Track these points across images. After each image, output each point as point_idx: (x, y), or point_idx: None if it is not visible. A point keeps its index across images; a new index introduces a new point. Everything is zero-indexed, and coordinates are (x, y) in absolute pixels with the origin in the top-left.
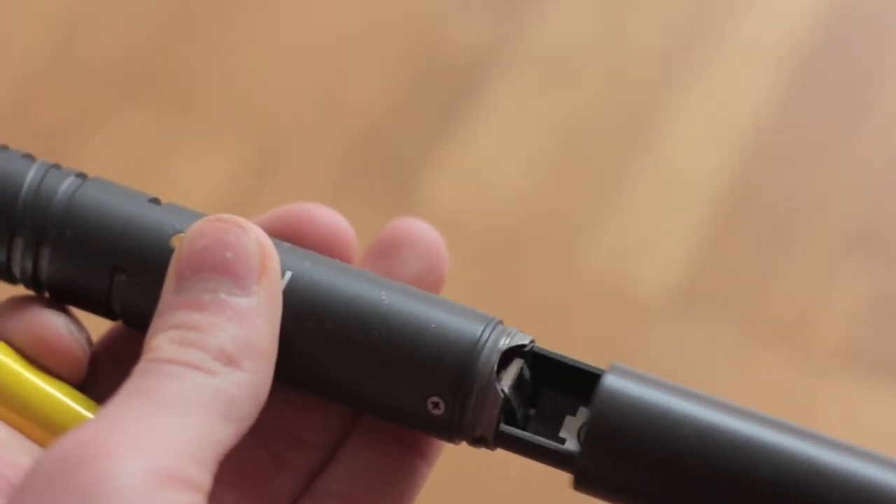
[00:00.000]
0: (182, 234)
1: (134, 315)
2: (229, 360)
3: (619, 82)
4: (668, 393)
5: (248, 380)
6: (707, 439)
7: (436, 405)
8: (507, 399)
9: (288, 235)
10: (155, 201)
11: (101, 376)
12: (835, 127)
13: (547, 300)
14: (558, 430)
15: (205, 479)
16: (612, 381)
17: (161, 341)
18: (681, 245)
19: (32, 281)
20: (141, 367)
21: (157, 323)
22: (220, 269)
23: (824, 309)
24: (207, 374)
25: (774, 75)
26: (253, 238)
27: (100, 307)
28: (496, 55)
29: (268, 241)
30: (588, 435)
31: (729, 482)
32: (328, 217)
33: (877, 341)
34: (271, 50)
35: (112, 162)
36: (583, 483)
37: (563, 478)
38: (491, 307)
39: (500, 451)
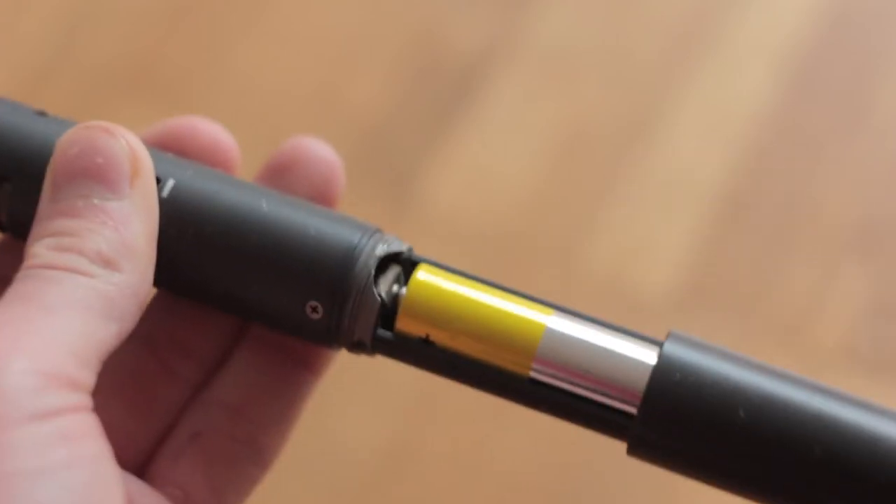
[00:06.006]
0: None
1: (19, 224)
2: (107, 263)
3: (619, 82)
4: (726, 361)
5: (126, 280)
6: (764, 411)
7: (314, 309)
8: (384, 304)
9: (173, 148)
10: (41, 114)
11: None
12: (835, 127)
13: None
14: None
15: (89, 377)
16: (671, 349)
17: (39, 248)
18: (681, 245)
19: None
20: (21, 275)
21: (35, 231)
22: (92, 175)
23: (824, 309)
24: (86, 277)
25: (774, 75)
26: (123, 143)
27: None
28: (496, 55)
29: (139, 145)
30: (646, 402)
31: (786, 453)
32: (211, 130)
33: (877, 341)
34: (271, 50)
35: None
36: (638, 449)
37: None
38: None
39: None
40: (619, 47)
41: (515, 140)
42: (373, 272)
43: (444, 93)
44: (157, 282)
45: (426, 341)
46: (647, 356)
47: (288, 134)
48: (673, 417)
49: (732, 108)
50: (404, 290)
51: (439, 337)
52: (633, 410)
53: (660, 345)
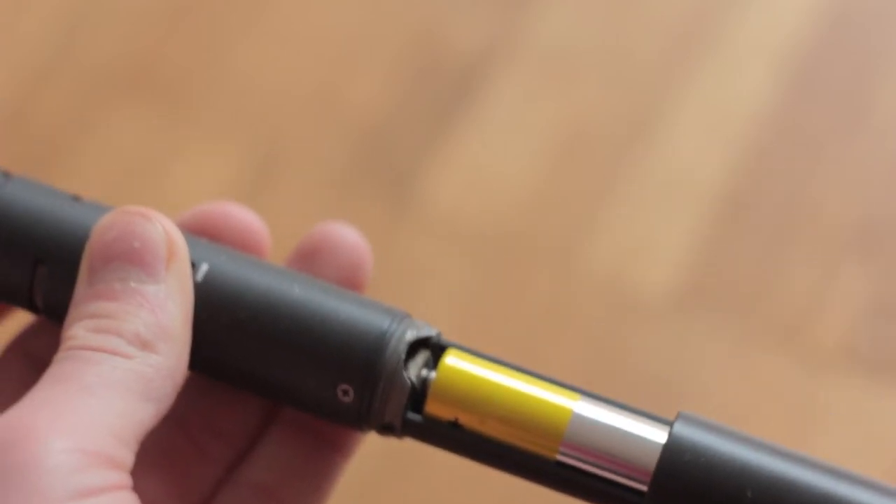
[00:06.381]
0: None
1: (54, 307)
2: (144, 345)
3: (619, 82)
4: (734, 441)
5: (164, 362)
6: (772, 492)
7: (345, 392)
8: (413, 387)
9: (206, 233)
10: (76, 199)
11: (11, 373)
12: (835, 127)
13: (547, 300)
14: None
15: (128, 457)
16: (680, 430)
17: (78, 330)
18: (681, 245)
19: None
20: (60, 356)
21: (72, 314)
22: (129, 259)
23: (824, 309)
24: (124, 358)
25: (774, 75)
26: (159, 227)
27: (23, 299)
28: (496, 55)
29: (174, 230)
30: (656, 481)
31: None
32: (243, 216)
33: (877, 341)
34: (272, 50)
35: (112, 162)
36: None
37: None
38: (491, 307)
39: None
40: (619, 47)
41: (515, 140)
42: (403, 357)
43: (444, 93)
44: (190, 364)
45: (455, 425)
46: (658, 436)
47: (288, 134)
48: (682, 496)
49: (732, 108)
50: (433, 374)
51: (468, 420)
52: (643, 488)
53: (670, 424)
